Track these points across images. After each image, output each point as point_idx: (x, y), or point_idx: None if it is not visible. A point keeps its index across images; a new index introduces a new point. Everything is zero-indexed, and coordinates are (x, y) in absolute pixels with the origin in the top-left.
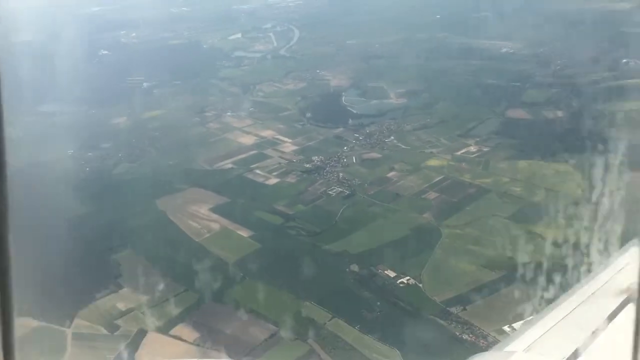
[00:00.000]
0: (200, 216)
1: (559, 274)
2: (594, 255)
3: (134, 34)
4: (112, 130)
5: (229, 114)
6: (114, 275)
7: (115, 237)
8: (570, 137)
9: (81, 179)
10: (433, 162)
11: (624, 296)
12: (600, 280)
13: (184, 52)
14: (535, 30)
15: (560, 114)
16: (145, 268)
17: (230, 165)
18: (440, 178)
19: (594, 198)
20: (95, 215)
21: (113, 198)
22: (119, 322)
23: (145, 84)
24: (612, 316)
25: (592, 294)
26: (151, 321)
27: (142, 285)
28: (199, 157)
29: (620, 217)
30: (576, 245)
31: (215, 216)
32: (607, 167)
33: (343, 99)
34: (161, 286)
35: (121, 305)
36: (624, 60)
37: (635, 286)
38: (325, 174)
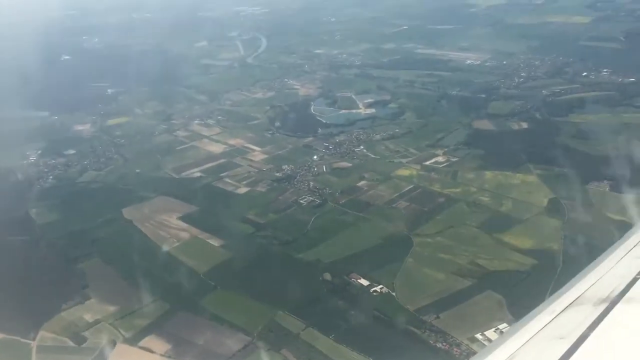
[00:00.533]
0: (169, 225)
1: (529, 282)
2: (564, 263)
3: (96, 40)
4: (76, 137)
5: (196, 121)
6: (80, 286)
7: (81, 246)
8: (535, 148)
9: (45, 187)
10: (403, 172)
11: (605, 305)
12: (580, 289)
13: (149, 59)
14: (499, 43)
15: (524, 125)
16: (113, 278)
17: (198, 174)
18: (410, 187)
19: (559, 207)
20: (60, 224)
21: (78, 207)
22: (86, 333)
23: (109, 90)
24: (594, 325)
25: (573, 301)
26: (120, 332)
27: (110, 295)
28: (167, 165)
29: (585, 226)
30: (545, 253)
31: (184, 225)
32: (569, 178)
33: (312, 108)
34: (130, 296)
35: (88, 317)
36: (584, 73)
37: (615, 295)
38: (295, 182)
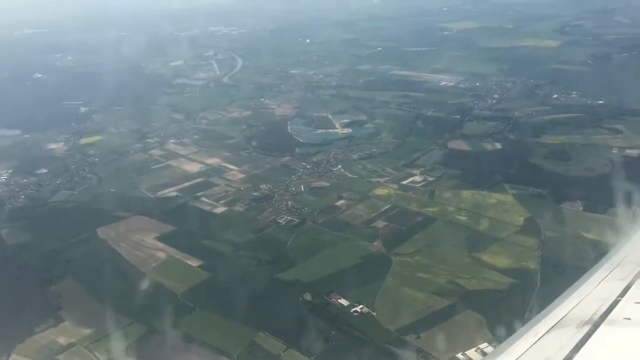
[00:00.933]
0: (145, 245)
1: (508, 301)
2: (542, 282)
3: (69, 58)
4: (48, 155)
5: (172, 140)
6: (54, 308)
7: (55, 267)
8: (510, 168)
9: (16, 207)
10: (380, 191)
11: (588, 327)
12: (562, 311)
13: (123, 78)
14: (471, 66)
15: (498, 145)
16: (88, 300)
17: (175, 193)
18: (388, 207)
19: (535, 227)
20: (32, 245)
21: (51, 227)
22: (60, 357)
23: (83, 109)
24: (577, 347)
25: (556, 323)
26: (95, 356)
27: (84, 317)
28: (142, 184)
29: (560, 245)
30: (522, 272)
31: (161, 245)
32: (544, 198)
33: (289, 127)
34: (106, 319)
35: (62, 340)
36: (555, 95)
37: (597, 317)
38: (274, 202)
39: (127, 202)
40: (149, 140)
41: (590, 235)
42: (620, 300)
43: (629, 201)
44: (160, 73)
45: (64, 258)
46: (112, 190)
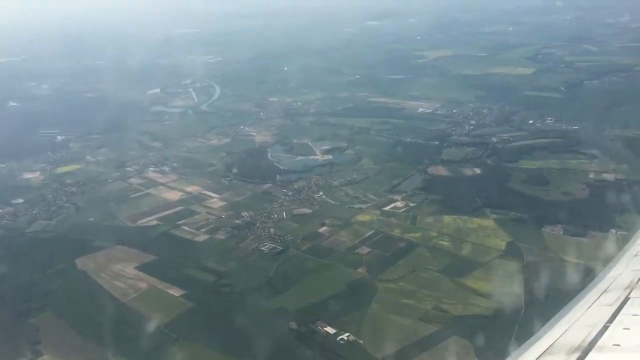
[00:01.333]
0: (125, 275)
1: (494, 326)
2: (526, 306)
3: (45, 86)
4: (24, 185)
5: (151, 169)
6: (32, 341)
7: (33, 299)
8: (490, 193)
9: None
10: (363, 217)
11: (577, 354)
12: (551, 337)
13: (100, 106)
14: (448, 92)
15: (478, 171)
16: (67, 333)
17: (155, 222)
18: (371, 233)
19: (517, 251)
20: (8, 277)
21: (28, 258)
22: None
23: (59, 137)
24: None
25: (545, 350)
26: None
27: (64, 351)
28: (121, 213)
29: (543, 269)
30: (507, 296)
31: (142, 275)
32: (524, 222)
33: (269, 154)
34: (86, 352)
35: None
36: (530, 121)
37: (587, 343)
38: (256, 229)
39: (106, 231)
40: (127, 168)
41: (571, 259)
42: (609, 326)
43: (607, 224)
44: (138, 101)
45: (42, 290)
46: (90, 219)
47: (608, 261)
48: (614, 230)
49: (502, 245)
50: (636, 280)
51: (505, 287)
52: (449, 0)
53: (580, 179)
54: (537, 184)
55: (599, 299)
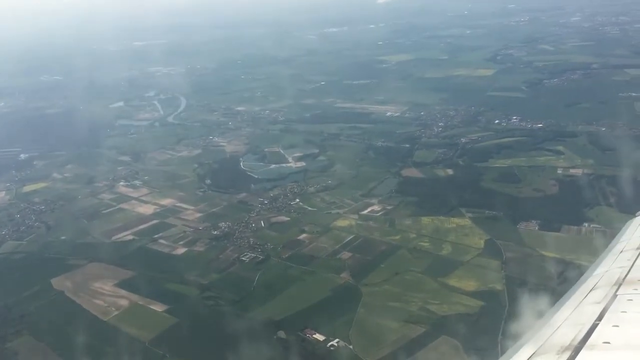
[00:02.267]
0: (105, 293)
1: (480, 323)
2: (510, 302)
3: (2, 103)
4: None
5: (122, 183)
6: None
7: (9, 323)
8: (464, 193)
9: None
10: (341, 223)
11: (568, 353)
12: (541, 337)
13: (63, 121)
14: (413, 96)
15: (450, 171)
16: (48, 355)
17: (130, 237)
18: (351, 238)
19: (495, 248)
20: None
21: (1, 281)
22: None
23: (22, 155)
24: None
25: (536, 351)
26: None
27: None
28: (95, 230)
29: (522, 264)
30: (490, 294)
31: (122, 292)
32: (500, 219)
33: (241, 164)
34: None
35: None
36: (496, 121)
37: (577, 342)
38: (235, 240)
39: (80, 249)
40: (97, 184)
41: (549, 253)
42: (598, 324)
43: (580, 218)
44: (101, 115)
45: (17, 313)
46: (63, 237)
47: (584, 254)
48: (586, 224)
49: (481, 243)
50: (623, 276)
51: (487, 285)
52: (404, 7)
53: (549, 175)
54: (509, 182)
55: (587, 297)
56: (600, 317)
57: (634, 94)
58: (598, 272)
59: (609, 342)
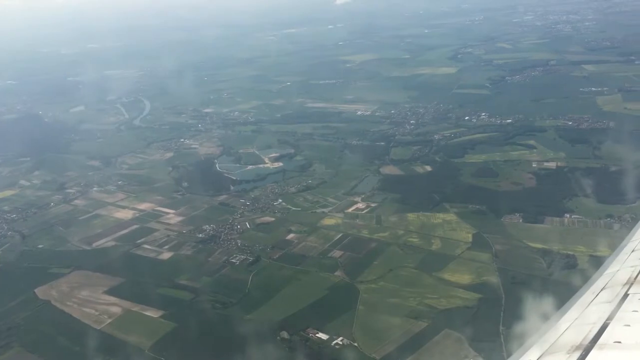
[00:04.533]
0: (94, 301)
1: (480, 316)
2: (506, 293)
3: None
4: None
5: (95, 188)
6: None
7: None
8: (445, 189)
9: None
10: (328, 221)
11: (579, 352)
12: (552, 336)
13: (23, 127)
14: (381, 94)
15: (428, 168)
16: None
17: (112, 243)
18: (339, 236)
19: (484, 241)
20: None
21: None
22: None
23: None
24: None
25: (546, 350)
26: None
27: None
28: (73, 237)
29: (512, 256)
30: (485, 286)
31: (113, 299)
32: (484, 213)
33: (217, 166)
34: None
35: None
36: (466, 117)
37: (587, 341)
38: (221, 242)
39: (61, 257)
40: (68, 190)
41: (536, 244)
42: (609, 323)
43: (560, 210)
44: (63, 120)
45: (4, 325)
46: (40, 246)
47: (571, 244)
48: (568, 215)
49: (469, 237)
50: (634, 276)
51: (481, 277)
52: (360, 8)
53: (525, 169)
54: (487, 176)
55: (598, 297)
56: (611, 317)
57: (594, 89)
58: (609, 271)
59: (620, 342)
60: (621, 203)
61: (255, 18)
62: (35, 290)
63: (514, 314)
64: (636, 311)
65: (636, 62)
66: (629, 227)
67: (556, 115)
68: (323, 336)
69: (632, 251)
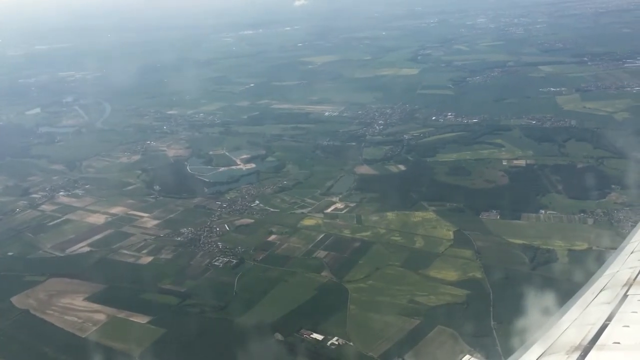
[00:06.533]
0: (76, 308)
1: (470, 311)
2: (493, 288)
3: None
4: None
5: (62, 193)
6: None
7: None
8: (421, 187)
9: None
10: (308, 222)
11: (578, 353)
12: (551, 337)
13: None
14: (347, 95)
15: (402, 167)
16: None
17: (87, 249)
18: (322, 236)
19: (465, 238)
20: None
21: None
22: None
23: None
24: None
25: (546, 350)
26: None
27: None
28: (44, 243)
29: (494, 252)
30: (472, 282)
31: (95, 306)
32: (462, 211)
33: (188, 168)
34: None
35: None
36: (433, 117)
37: (587, 342)
38: (202, 245)
39: (34, 264)
40: (33, 195)
41: (516, 240)
42: (608, 324)
43: (535, 206)
44: (18, 123)
45: None
46: (10, 253)
47: (549, 239)
48: (543, 211)
49: (450, 234)
50: (633, 277)
51: (467, 274)
52: (317, 10)
53: (496, 166)
54: (460, 175)
55: (597, 297)
56: (610, 318)
57: (552, 89)
58: (608, 272)
59: (619, 343)
60: (591, 198)
61: (211, 19)
62: (12, 299)
63: (504, 308)
64: (635, 312)
65: (589, 63)
66: (602, 222)
67: (519, 114)
68: (318, 337)
69: (632, 252)
